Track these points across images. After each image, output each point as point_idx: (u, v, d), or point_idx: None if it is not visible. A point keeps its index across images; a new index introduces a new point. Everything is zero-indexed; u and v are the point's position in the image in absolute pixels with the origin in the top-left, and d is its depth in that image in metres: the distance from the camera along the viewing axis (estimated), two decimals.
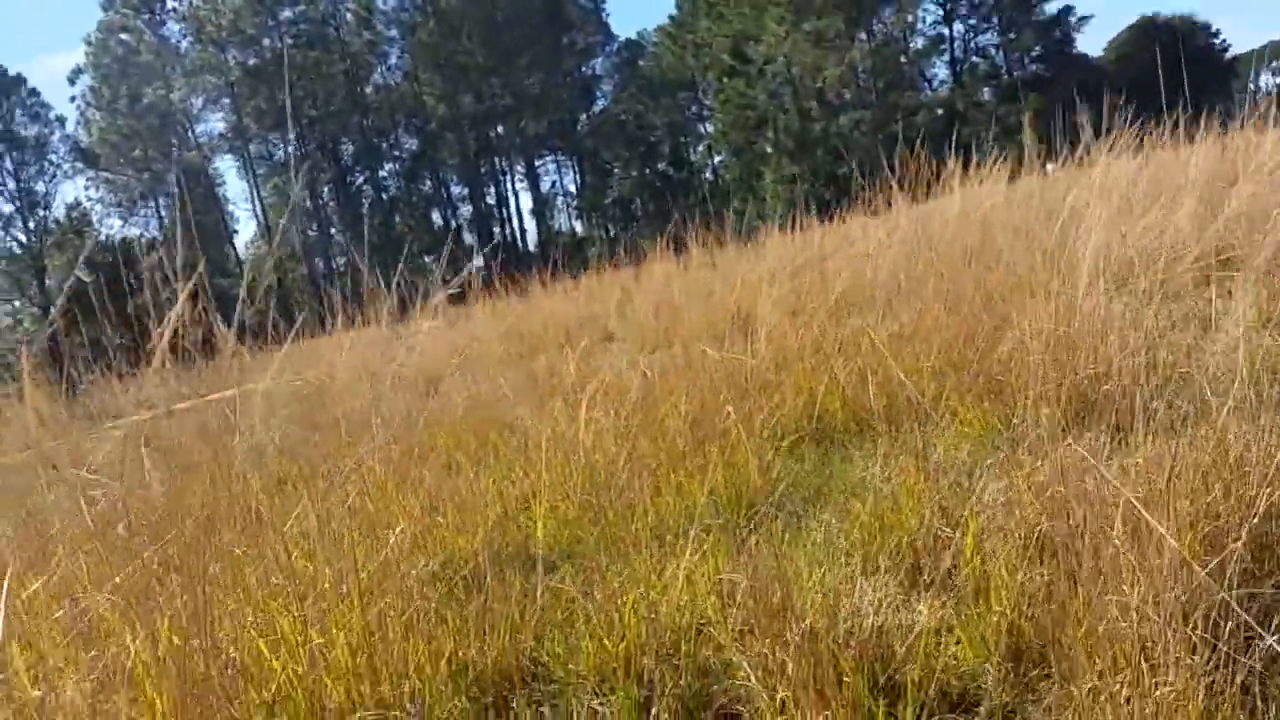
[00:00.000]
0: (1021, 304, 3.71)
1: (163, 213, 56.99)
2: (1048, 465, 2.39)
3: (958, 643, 2.13)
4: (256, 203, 56.30)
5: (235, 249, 57.54)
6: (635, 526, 2.83)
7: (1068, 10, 58.17)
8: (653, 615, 2.28)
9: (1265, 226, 4.97)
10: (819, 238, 8.66)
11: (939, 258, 4.61)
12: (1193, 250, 3.89)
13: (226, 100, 54.94)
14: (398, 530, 2.75)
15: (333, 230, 57.41)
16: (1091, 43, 74.75)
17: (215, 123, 56.72)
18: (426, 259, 55.81)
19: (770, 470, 3.23)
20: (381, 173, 58.99)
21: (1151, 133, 9.99)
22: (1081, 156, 9.90)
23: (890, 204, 10.53)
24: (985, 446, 2.99)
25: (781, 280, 7.93)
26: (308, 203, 56.68)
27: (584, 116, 65.81)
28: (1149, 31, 59.75)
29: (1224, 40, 61.60)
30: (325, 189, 57.49)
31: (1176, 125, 9.76)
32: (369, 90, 58.52)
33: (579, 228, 67.32)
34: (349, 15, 56.71)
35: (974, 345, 3.40)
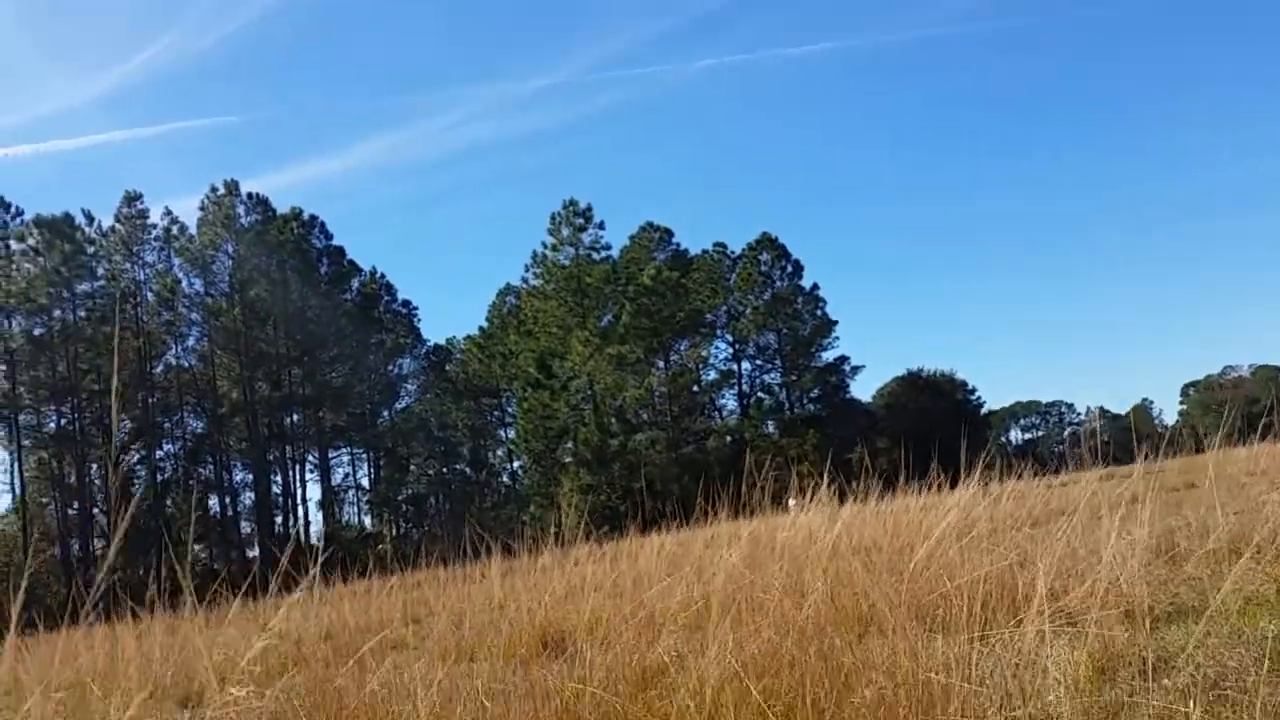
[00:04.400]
0: (870, 639, 3.63)
1: None
2: None
3: None
4: (16, 476, 51.60)
5: None
6: None
7: (843, 359, 64.41)
8: None
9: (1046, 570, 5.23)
10: (648, 552, 8.53)
11: (780, 585, 4.55)
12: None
13: (3, 367, 51.61)
14: None
15: (95, 511, 52.98)
16: (863, 389, 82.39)
17: None
18: (197, 547, 51.95)
19: None
20: (159, 453, 55.76)
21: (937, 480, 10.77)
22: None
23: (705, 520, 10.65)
24: None
25: (604, 595, 7.67)
26: (73, 480, 52.39)
27: (386, 412, 65.57)
28: (914, 383, 66.53)
29: (979, 396, 69.04)
30: (94, 466, 53.55)
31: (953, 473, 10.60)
32: (159, 369, 56.50)
33: (368, 523, 64.97)
34: (151, 295, 55.67)
35: (830, 683, 3.25)
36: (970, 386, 68.47)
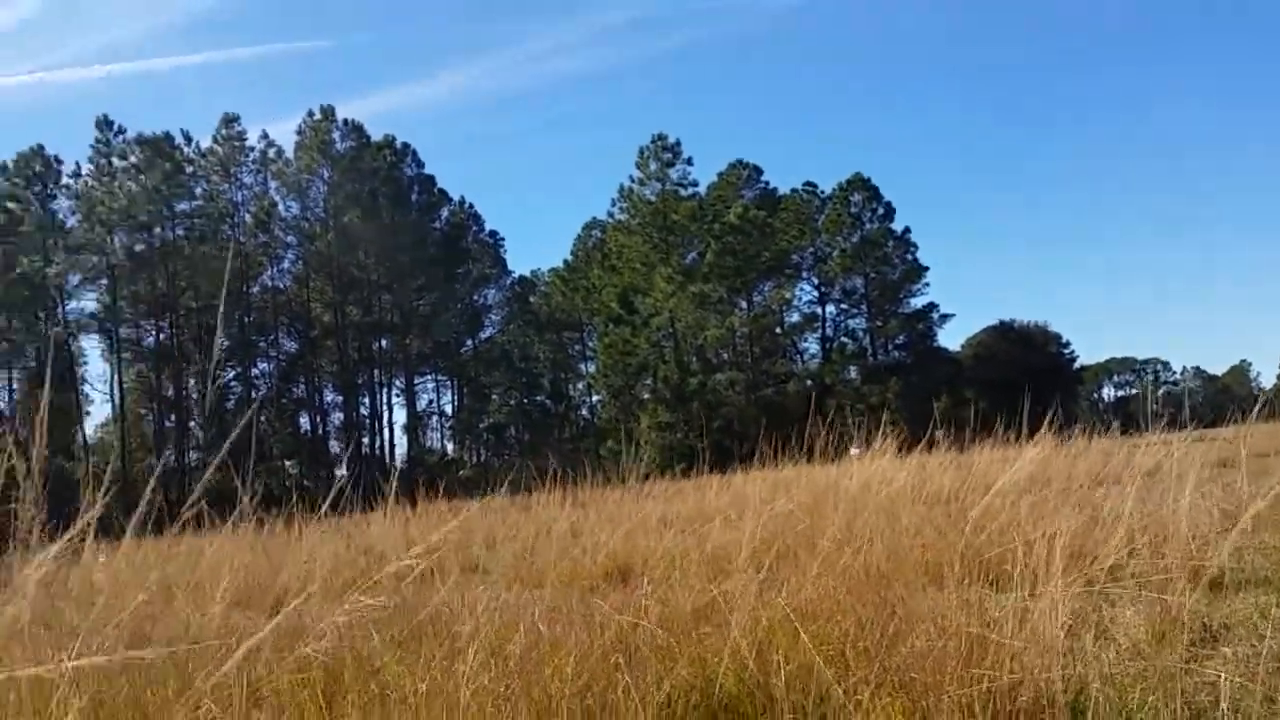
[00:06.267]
0: (927, 590, 3.63)
1: (14, 385, 54.01)
2: None
3: None
4: (115, 387, 54.00)
5: (84, 432, 54.51)
6: None
7: (932, 307, 63.11)
8: None
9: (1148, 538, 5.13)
10: (712, 492, 8.61)
11: (843, 531, 4.56)
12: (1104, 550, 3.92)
13: (104, 281, 53.69)
14: None
15: (191, 424, 55.24)
16: (952, 338, 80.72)
17: (88, 301, 55.13)
18: (287, 463, 53.88)
19: None
20: (254, 371, 57.74)
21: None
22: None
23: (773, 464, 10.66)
24: None
25: (668, 531, 7.78)
26: (170, 393, 54.59)
27: (470, 341, 66.67)
28: (1005, 334, 64.93)
29: (1072, 351, 67.14)
30: (191, 380, 55.73)
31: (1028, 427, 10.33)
32: (255, 289, 58.19)
33: (450, 448, 66.57)
34: (248, 217, 57.15)
35: (882, 632, 3.27)
36: (1064, 340, 66.59)
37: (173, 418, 54.96)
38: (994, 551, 4.50)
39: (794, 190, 65.49)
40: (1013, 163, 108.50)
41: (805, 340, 65.92)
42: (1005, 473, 6.44)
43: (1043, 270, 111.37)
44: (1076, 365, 68.17)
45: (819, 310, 64.92)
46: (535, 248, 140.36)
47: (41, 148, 54.38)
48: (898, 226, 63.24)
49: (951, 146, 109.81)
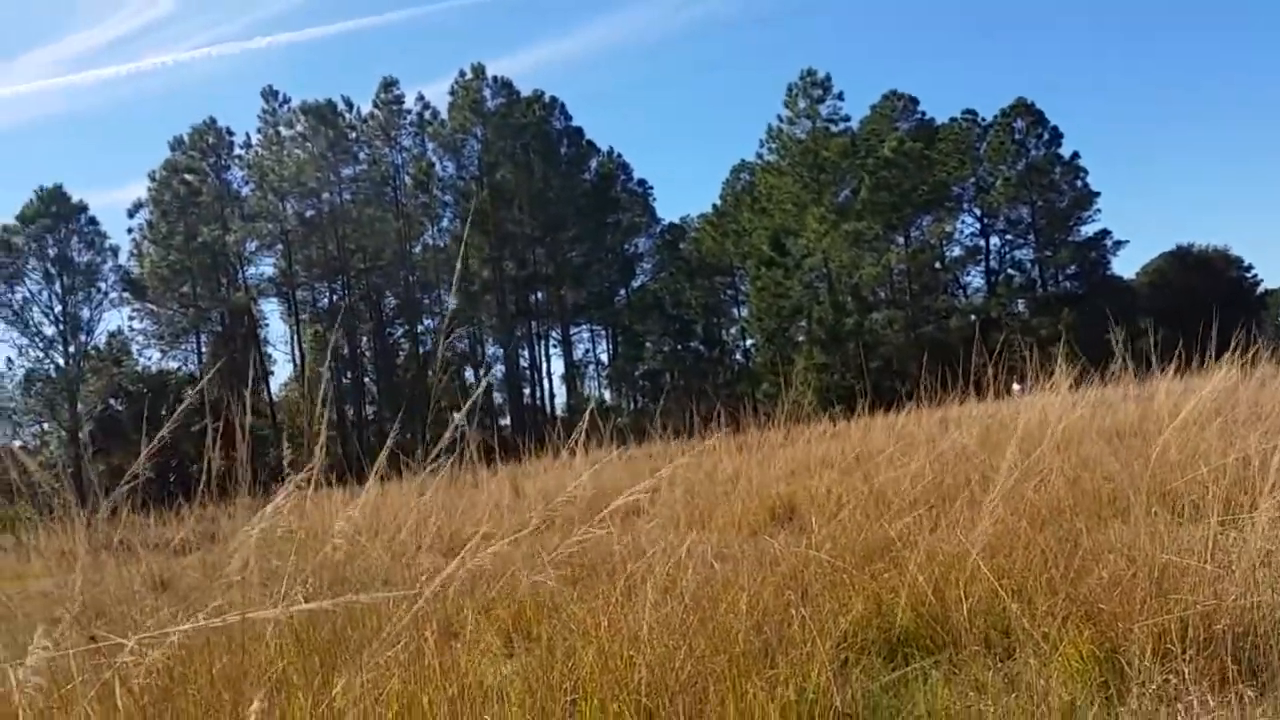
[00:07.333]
0: (1111, 523, 3.52)
1: (203, 349, 57.95)
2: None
3: None
4: (295, 347, 57.23)
5: (269, 390, 58.15)
6: None
7: (1104, 234, 59.72)
8: None
9: None
10: (875, 431, 8.52)
11: (1021, 468, 4.43)
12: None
13: (279, 246, 56.69)
14: None
15: (366, 379, 58.09)
16: (1126, 265, 76.24)
17: (265, 266, 58.46)
18: (455, 415, 56.04)
19: (847, 691, 2.96)
20: (420, 327, 60.11)
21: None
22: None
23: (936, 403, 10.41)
24: (1089, 682, 2.73)
25: (831, 471, 7.75)
26: (345, 350, 57.49)
27: (623, 290, 67.36)
28: (1183, 260, 60.98)
29: (1256, 275, 62.66)
30: (363, 339, 58.47)
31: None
32: (417, 249, 60.29)
33: (608, 396, 67.79)
34: (408, 178, 59.08)
35: (1067, 564, 3.18)
36: (1246, 264, 62.08)
37: (349, 374, 57.85)
38: (1181, 481, 4.31)
39: (952, 119, 62.77)
40: (1189, 73, 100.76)
41: (968, 274, 63.60)
42: (1189, 403, 6.11)
43: (1224, 190, 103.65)
44: (1260, 290, 63.59)
45: (982, 243, 62.42)
46: (684, 194, 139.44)
47: (214, 120, 57.61)
48: (1065, 152, 59.97)
49: (1120, 62, 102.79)
